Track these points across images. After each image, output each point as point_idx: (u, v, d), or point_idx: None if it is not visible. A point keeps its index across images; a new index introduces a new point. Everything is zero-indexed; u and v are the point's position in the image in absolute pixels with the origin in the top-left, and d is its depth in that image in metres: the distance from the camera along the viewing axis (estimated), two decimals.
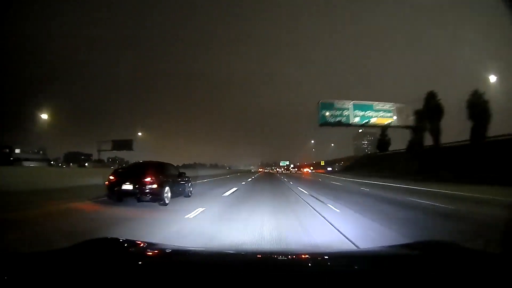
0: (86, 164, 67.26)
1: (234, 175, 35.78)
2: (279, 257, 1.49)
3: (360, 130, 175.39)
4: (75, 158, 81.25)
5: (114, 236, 1.92)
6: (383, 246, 1.93)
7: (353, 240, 3.59)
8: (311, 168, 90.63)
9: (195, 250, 1.66)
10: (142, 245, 1.44)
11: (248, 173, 53.55)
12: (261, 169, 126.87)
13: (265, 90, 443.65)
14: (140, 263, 1.14)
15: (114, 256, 1.17)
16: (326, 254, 1.69)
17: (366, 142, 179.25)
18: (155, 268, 1.04)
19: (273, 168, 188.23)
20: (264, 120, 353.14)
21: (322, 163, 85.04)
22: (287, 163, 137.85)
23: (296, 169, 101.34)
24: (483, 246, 2.33)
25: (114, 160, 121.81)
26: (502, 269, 0.96)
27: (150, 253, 1.37)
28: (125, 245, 1.43)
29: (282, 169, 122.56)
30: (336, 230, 4.30)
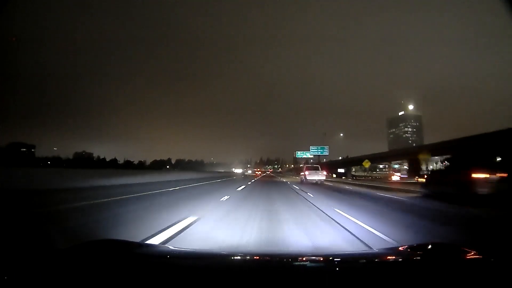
0: None
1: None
2: (280, 258, 1.49)
3: (401, 113, 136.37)
4: None
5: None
6: (384, 248, 2.10)
7: None
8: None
9: (198, 252, 1.69)
10: (143, 246, 1.57)
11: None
12: (259, 171, 77.02)
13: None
14: (141, 264, 1.12)
15: (114, 257, 1.17)
16: (327, 255, 1.62)
17: (409, 129, 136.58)
18: (157, 270, 1.02)
19: (275, 166, 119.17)
20: (266, 106, 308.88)
21: None
22: (321, 151, 50.26)
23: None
24: (485, 249, 2.44)
25: (81, 155, 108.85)
26: (503, 272, 0.99)
27: (152, 255, 1.37)
28: (126, 246, 1.43)
29: (324, 171, 22.58)
30: None
